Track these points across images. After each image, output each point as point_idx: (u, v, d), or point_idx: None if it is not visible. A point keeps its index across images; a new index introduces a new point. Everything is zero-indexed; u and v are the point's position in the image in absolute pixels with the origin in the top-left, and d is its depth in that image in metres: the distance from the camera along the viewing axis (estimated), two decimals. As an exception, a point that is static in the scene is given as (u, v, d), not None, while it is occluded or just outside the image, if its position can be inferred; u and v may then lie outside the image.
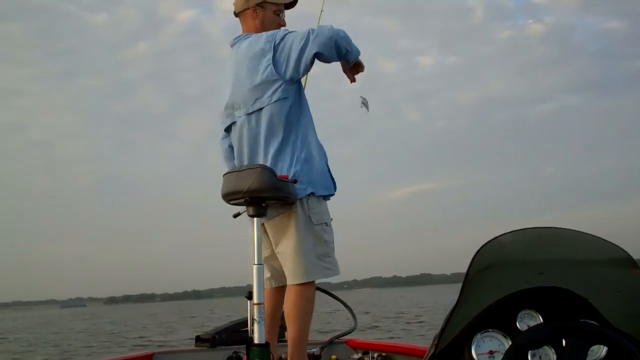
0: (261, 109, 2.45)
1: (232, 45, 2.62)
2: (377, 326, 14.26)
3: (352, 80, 2.60)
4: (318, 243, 2.43)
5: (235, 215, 2.46)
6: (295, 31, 2.47)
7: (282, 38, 2.44)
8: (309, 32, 2.40)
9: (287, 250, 2.42)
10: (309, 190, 2.41)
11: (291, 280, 2.41)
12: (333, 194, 2.53)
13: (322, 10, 3.04)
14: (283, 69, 2.42)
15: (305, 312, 2.41)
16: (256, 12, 2.57)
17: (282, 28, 2.56)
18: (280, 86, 2.42)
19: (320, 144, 2.55)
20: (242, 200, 2.26)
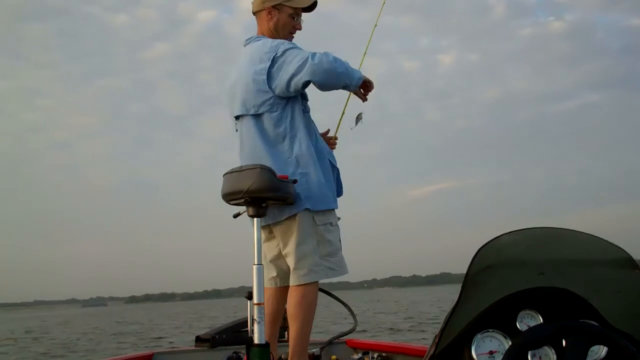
0: (254, 115, 2.47)
1: (245, 45, 2.63)
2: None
3: (364, 99, 2.61)
4: (321, 243, 2.44)
5: (235, 216, 2.46)
6: (300, 49, 2.44)
7: (283, 52, 2.42)
8: (308, 57, 2.36)
9: (290, 252, 2.43)
10: (305, 206, 2.40)
11: (294, 281, 2.41)
12: (332, 208, 2.51)
13: (375, 25, 3.01)
14: (274, 84, 2.42)
15: (307, 312, 2.40)
16: (271, 14, 2.56)
17: (288, 42, 2.51)
18: (270, 99, 2.43)
19: (324, 155, 2.54)
20: (242, 200, 2.26)
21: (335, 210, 2.54)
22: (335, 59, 2.39)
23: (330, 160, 2.59)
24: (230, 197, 2.29)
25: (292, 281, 2.43)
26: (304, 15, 2.65)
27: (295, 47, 2.46)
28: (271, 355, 2.21)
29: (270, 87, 2.42)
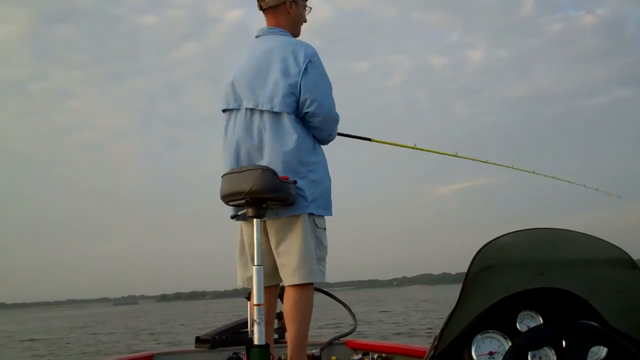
0: (275, 112, 2.40)
1: (257, 36, 2.58)
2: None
3: None
4: (319, 246, 2.45)
5: (233, 217, 2.45)
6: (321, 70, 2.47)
7: (315, 64, 2.43)
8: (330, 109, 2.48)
9: (290, 250, 2.40)
10: (309, 210, 2.40)
11: (290, 280, 2.40)
12: (330, 215, 2.52)
13: None
14: (299, 94, 2.40)
15: (305, 313, 2.40)
16: (291, 7, 2.55)
17: (313, 49, 2.49)
18: (296, 101, 2.41)
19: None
20: (243, 201, 2.25)
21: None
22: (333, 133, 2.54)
23: None
24: (230, 197, 2.29)
25: (289, 280, 2.41)
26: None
27: (317, 62, 2.47)
28: (271, 356, 2.21)
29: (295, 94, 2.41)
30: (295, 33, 2.61)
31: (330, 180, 2.52)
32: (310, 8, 2.64)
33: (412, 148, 3.08)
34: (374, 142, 3.00)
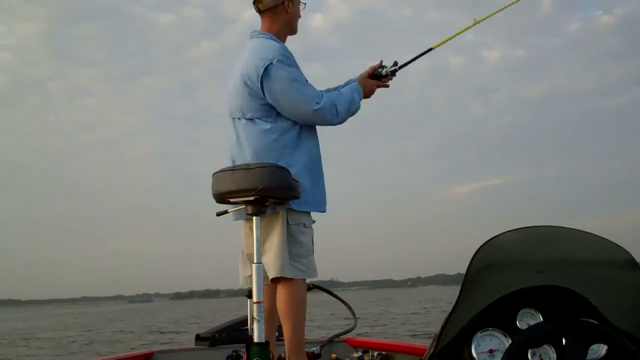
0: (247, 119, 2.46)
1: (251, 38, 2.58)
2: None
3: (386, 86, 2.66)
4: (291, 242, 2.41)
5: (220, 214, 2.43)
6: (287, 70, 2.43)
7: (277, 67, 2.40)
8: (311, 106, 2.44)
9: (269, 247, 2.40)
10: (288, 206, 2.39)
11: (272, 273, 2.39)
12: (315, 211, 2.50)
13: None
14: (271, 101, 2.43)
15: (298, 309, 2.39)
16: (289, 6, 2.54)
17: (284, 53, 2.47)
18: (265, 104, 2.44)
19: (315, 161, 2.54)
20: (246, 198, 2.22)
21: (311, 213, 2.51)
22: (335, 106, 2.45)
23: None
24: (233, 194, 2.26)
25: (269, 275, 2.40)
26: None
27: (290, 62, 2.46)
28: (271, 354, 2.20)
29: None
30: (292, 31, 2.62)
31: (309, 178, 2.47)
32: (305, 4, 2.64)
33: (473, 25, 2.74)
34: (436, 49, 2.73)
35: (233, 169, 2.30)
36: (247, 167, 2.26)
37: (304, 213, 2.47)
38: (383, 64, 2.64)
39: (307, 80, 2.50)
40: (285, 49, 2.51)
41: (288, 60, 2.45)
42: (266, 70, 2.40)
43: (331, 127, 2.56)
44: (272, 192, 2.20)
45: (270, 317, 2.51)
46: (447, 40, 2.74)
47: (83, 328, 23.54)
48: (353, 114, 2.54)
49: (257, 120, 2.45)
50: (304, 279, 2.44)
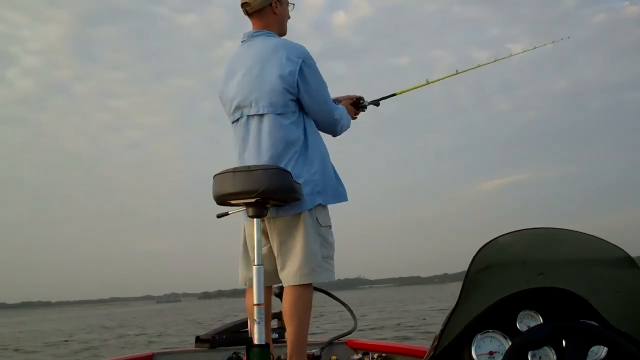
0: (272, 114, 2.41)
1: (243, 41, 2.57)
2: None
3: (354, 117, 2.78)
4: (324, 245, 2.42)
5: (221, 216, 2.43)
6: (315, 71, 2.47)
7: (309, 65, 2.43)
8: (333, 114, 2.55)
9: (292, 250, 2.39)
10: (318, 202, 2.40)
11: (292, 280, 2.38)
12: (344, 201, 2.53)
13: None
14: (298, 93, 2.42)
15: (304, 313, 2.39)
16: (276, 7, 2.54)
17: (305, 49, 2.49)
18: (292, 100, 2.42)
19: (327, 152, 2.56)
20: (247, 200, 2.22)
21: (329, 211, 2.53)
22: (346, 121, 2.61)
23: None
24: (234, 196, 2.25)
25: (290, 281, 2.39)
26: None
27: (311, 63, 2.47)
28: (271, 356, 2.20)
29: (293, 94, 2.42)
30: (282, 32, 2.61)
31: (327, 171, 2.48)
32: (294, 4, 2.65)
33: (424, 85, 3.06)
34: (399, 95, 3.00)
35: (234, 170, 2.28)
36: (248, 169, 2.25)
37: (326, 213, 2.48)
38: (361, 98, 2.83)
39: None
40: None
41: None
42: (305, 62, 2.41)
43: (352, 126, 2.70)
44: (274, 194, 2.19)
45: (267, 319, 2.51)
46: (407, 91, 3.02)
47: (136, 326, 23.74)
48: (343, 132, 2.64)
49: (277, 115, 2.41)
50: (312, 283, 2.41)
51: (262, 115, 2.43)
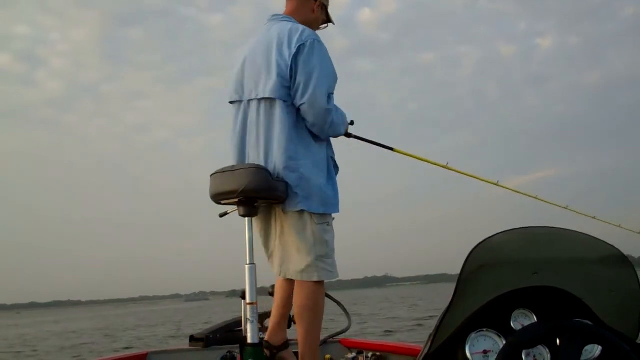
0: (268, 99, 2.33)
1: (266, 24, 2.50)
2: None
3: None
4: (317, 243, 2.34)
5: (222, 215, 2.44)
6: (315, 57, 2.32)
7: (310, 48, 2.30)
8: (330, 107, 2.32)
9: (285, 246, 2.37)
10: (301, 207, 2.30)
11: (294, 275, 2.36)
12: (331, 212, 2.39)
13: None
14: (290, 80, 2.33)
15: (313, 313, 2.34)
16: (316, 10, 2.53)
17: (313, 33, 2.39)
18: (286, 87, 2.33)
19: (331, 158, 2.46)
20: (235, 200, 2.23)
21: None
22: (339, 118, 2.39)
23: (332, 157, 2.49)
24: (222, 196, 2.26)
25: (292, 275, 2.37)
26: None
27: (319, 46, 2.35)
28: (269, 352, 2.19)
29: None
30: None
31: (325, 177, 2.38)
32: (329, 25, 2.63)
33: (443, 167, 2.84)
34: (397, 153, 2.82)
35: (222, 170, 2.28)
36: (231, 169, 2.25)
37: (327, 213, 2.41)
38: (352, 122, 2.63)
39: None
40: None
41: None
42: (305, 44, 2.30)
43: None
44: (253, 193, 2.18)
45: (282, 309, 2.51)
46: (407, 155, 2.81)
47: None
48: (332, 136, 2.46)
49: (278, 101, 2.32)
50: (322, 282, 2.36)
51: (259, 101, 2.36)
